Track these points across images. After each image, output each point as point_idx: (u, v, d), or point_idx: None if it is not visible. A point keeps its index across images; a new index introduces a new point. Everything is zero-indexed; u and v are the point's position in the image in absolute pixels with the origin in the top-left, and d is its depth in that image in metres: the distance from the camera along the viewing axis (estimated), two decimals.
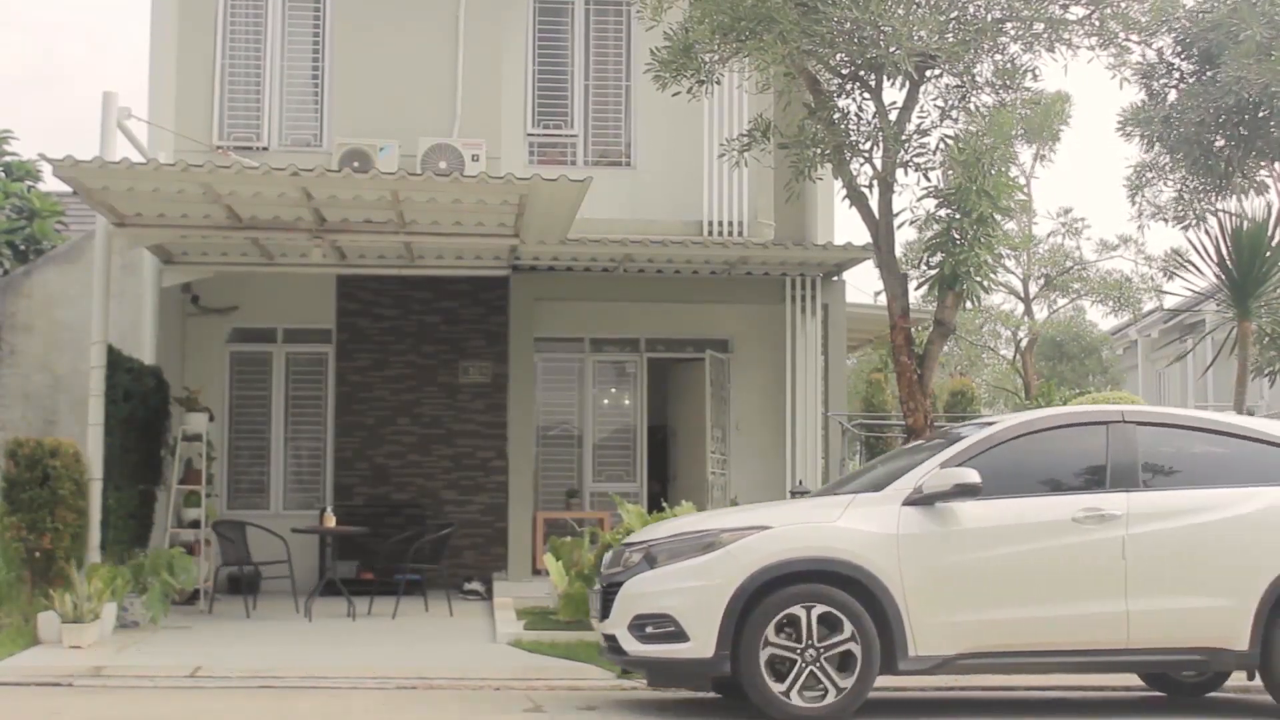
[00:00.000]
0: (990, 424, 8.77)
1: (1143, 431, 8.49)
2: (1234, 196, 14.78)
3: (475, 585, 14.90)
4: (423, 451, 15.74)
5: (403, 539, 13.87)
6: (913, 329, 12.30)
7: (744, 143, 12.57)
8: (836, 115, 11.95)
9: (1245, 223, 13.37)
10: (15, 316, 14.05)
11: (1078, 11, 11.71)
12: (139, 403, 13.13)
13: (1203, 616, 8.10)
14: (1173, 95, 14.43)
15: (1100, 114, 27.34)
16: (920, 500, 8.07)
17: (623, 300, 15.99)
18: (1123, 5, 11.67)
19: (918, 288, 12.43)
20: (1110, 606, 8.04)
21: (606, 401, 16.47)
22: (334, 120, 15.38)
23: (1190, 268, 13.83)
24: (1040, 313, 32.23)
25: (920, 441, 9.71)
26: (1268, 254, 12.84)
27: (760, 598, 7.84)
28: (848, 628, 7.80)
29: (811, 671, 7.80)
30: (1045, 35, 11.63)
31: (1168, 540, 8.16)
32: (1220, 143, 14.25)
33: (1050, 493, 8.29)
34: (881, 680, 8.02)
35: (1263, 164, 14.47)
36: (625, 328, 16.31)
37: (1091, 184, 59.98)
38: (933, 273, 11.92)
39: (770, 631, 7.79)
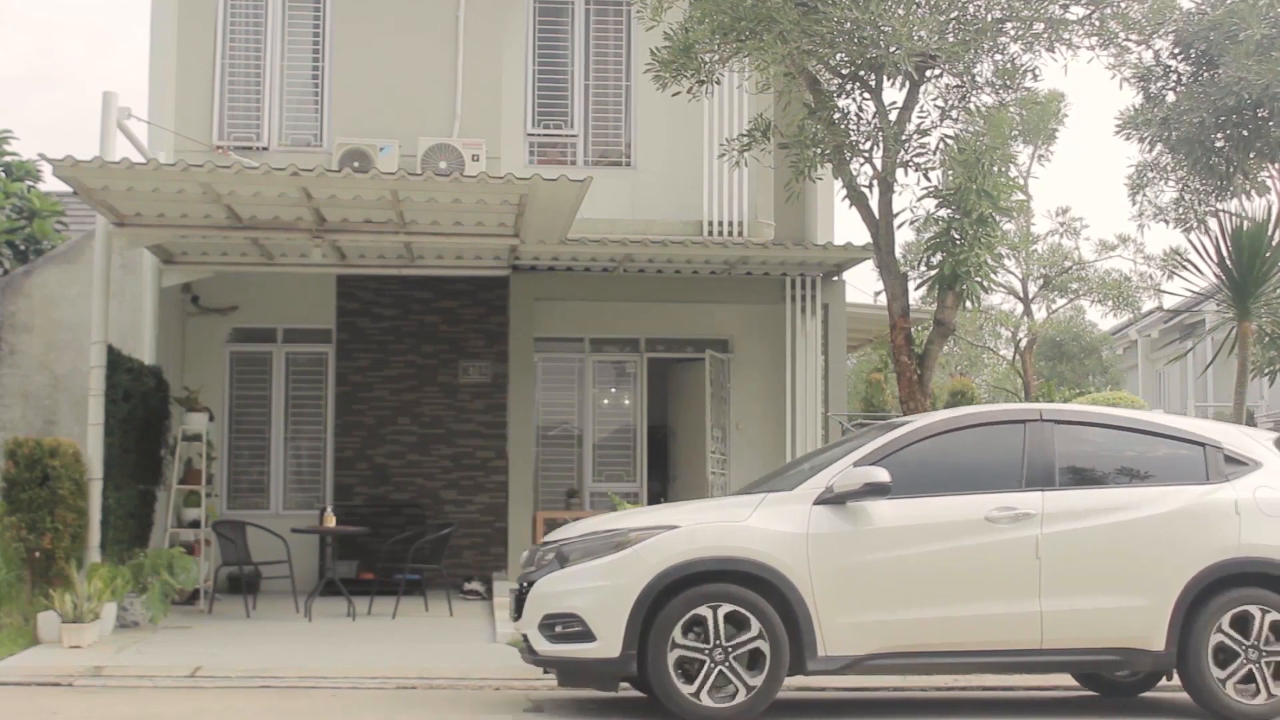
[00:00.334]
0: (905, 422, 8.72)
1: (1061, 430, 8.43)
2: (1235, 197, 14.79)
3: (475, 585, 14.90)
4: (423, 451, 15.74)
5: (403, 539, 13.88)
6: (913, 329, 12.30)
7: (744, 143, 12.58)
8: (836, 115, 11.96)
9: (1245, 223, 13.37)
10: (15, 316, 14.04)
11: (1078, 11, 11.72)
12: (139, 402, 13.13)
13: (1118, 617, 8.06)
14: (1171, 97, 14.44)
15: (1099, 113, 27.41)
16: (832, 499, 8.01)
17: (623, 300, 15.99)
18: (1122, 5, 11.68)
19: (918, 288, 12.44)
20: (1023, 606, 7.98)
21: (606, 401, 16.47)
22: (334, 120, 15.38)
23: (1190, 268, 13.84)
24: (1039, 313, 32.23)
25: (840, 440, 9.64)
26: (1268, 254, 12.84)
27: (668, 598, 7.80)
28: (755, 627, 7.77)
29: (720, 671, 7.76)
30: (1045, 35, 11.64)
31: (1083, 539, 8.10)
32: (1221, 142, 14.25)
33: (964, 491, 8.19)
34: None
35: (1264, 164, 14.48)
36: (625, 328, 16.31)
37: (1090, 184, 59.98)
38: (933, 273, 11.93)
39: (678, 632, 7.76)
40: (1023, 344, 31.29)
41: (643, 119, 15.87)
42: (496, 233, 12.98)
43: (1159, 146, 14.91)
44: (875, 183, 12.04)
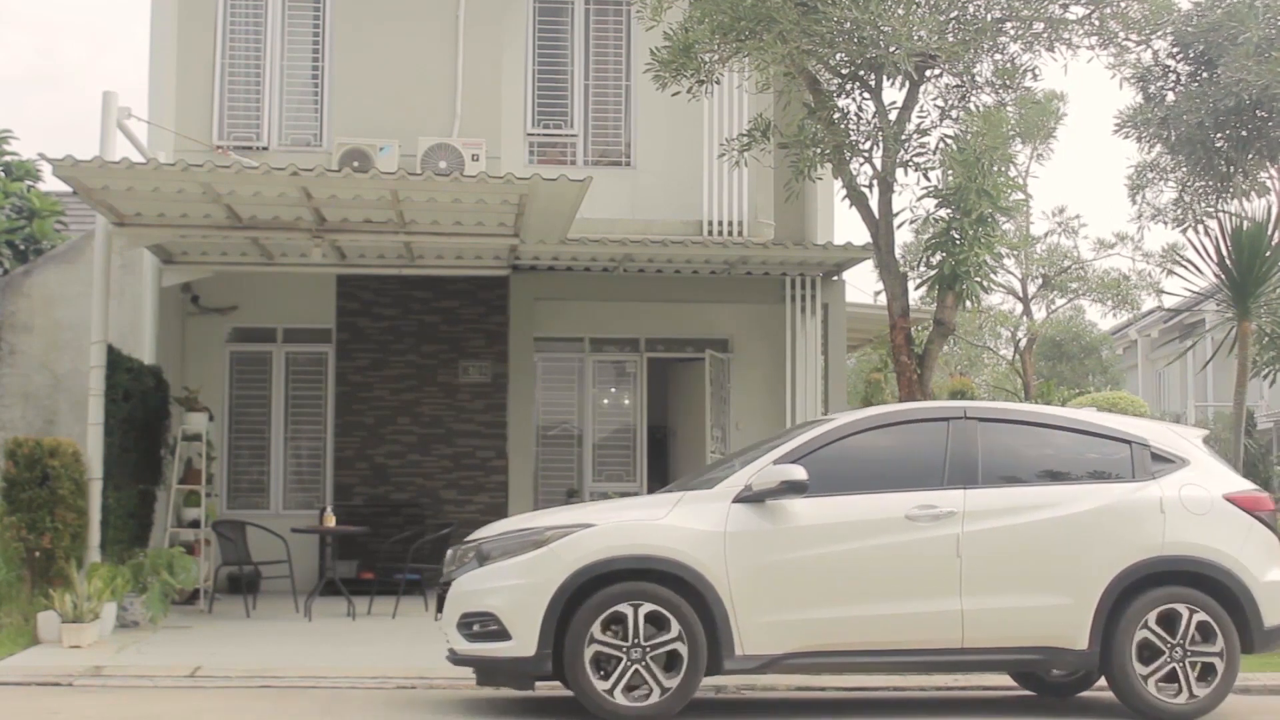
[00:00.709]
0: (828, 420, 8.66)
1: (985, 428, 8.36)
2: (1235, 197, 14.80)
3: None
4: (423, 451, 15.74)
5: (403, 539, 13.88)
6: (913, 329, 12.31)
7: (744, 143, 12.59)
8: (836, 115, 11.96)
9: (1245, 223, 13.38)
10: (15, 316, 14.04)
11: (1077, 11, 11.74)
12: (139, 402, 13.13)
13: (1041, 615, 7.99)
14: (1170, 97, 14.45)
15: (1098, 113, 27.43)
16: (750, 497, 7.95)
17: (623, 300, 16.00)
18: (1122, 5, 11.69)
19: (918, 288, 12.44)
20: (944, 605, 7.92)
21: (606, 401, 16.48)
22: (334, 120, 15.38)
23: (1190, 267, 13.84)
24: (1039, 312, 32.24)
25: (771, 437, 9.57)
26: (1267, 254, 12.84)
27: (584, 597, 7.75)
28: (674, 626, 7.72)
29: (637, 670, 7.72)
30: (1045, 35, 11.65)
31: (1005, 538, 8.04)
32: (1221, 143, 14.27)
33: (886, 490, 8.12)
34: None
35: (1264, 164, 14.49)
36: (625, 327, 16.31)
37: (1089, 183, 59.98)
38: (932, 273, 11.94)
39: (595, 630, 7.71)
40: (1022, 344, 31.30)
41: (643, 119, 15.87)
42: (496, 232, 12.98)
43: (1158, 147, 14.92)
44: (875, 182, 12.05)
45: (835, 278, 15.94)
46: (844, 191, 12.15)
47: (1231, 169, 14.46)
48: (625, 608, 7.73)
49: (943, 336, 12.24)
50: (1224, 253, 13.03)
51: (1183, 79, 14.38)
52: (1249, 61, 13.18)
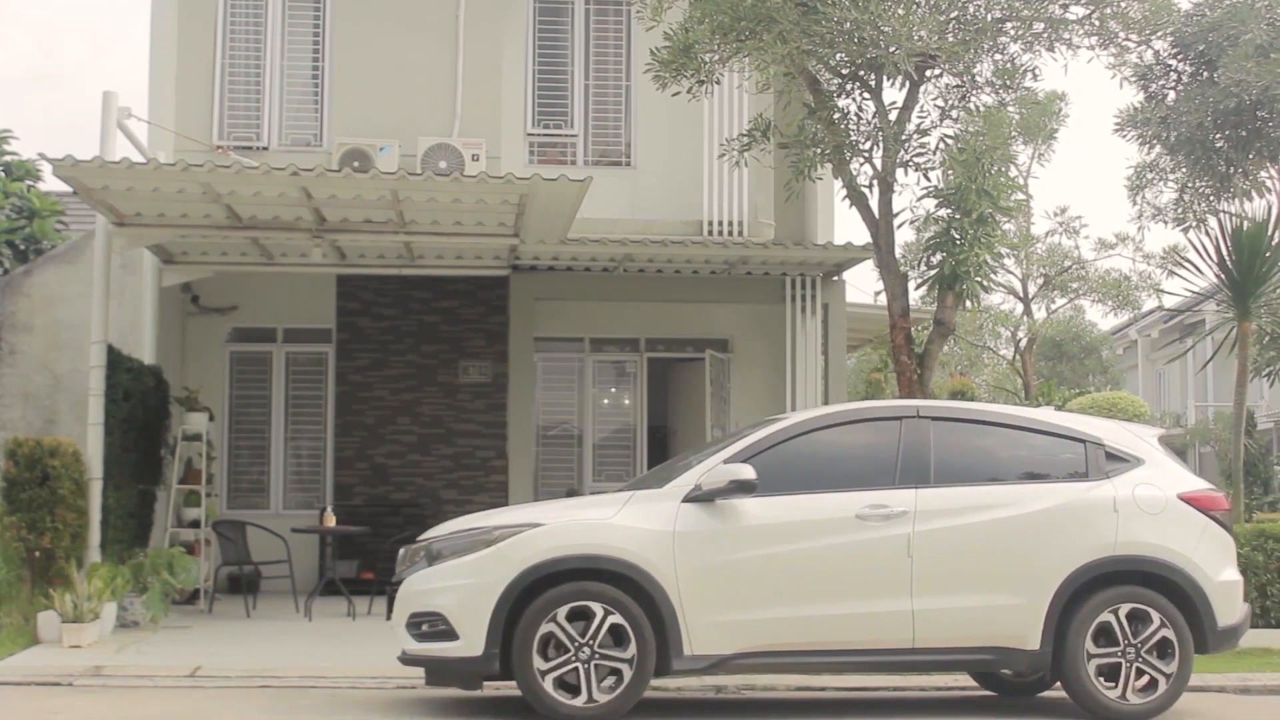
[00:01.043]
0: (780, 419, 8.61)
1: (938, 427, 8.32)
2: (1235, 197, 14.81)
3: None
4: (423, 451, 15.74)
5: (403, 539, 13.84)
6: (913, 329, 12.30)
7: (744, 143, 12.58)
8: (836, 115, 11.96)
9: (1245, 223, 13.38)
10: (15, 316, 14.04)
11: (1078, 11, 11.73)
12: (139, 402, 13.13)
13: (992, 615, 7.95)
14: (1171, 96, 14.46)
15: (1099, 113, 27.43)
16: (700, 497, 7.91)
17: (623, 300, 16.00)
18: (1122, 5, 11.68)
19: (918, 288, 12.44)
20: (895, 605, 7.88)
21: (606, 401, 16.48)
22: (334, 120, 15.38)
23: (1190, 267, 13.85)
24: (1039, 312, 32.25)
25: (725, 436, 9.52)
26: (1267, 254, 12.84)
27: (532, 596, 7.73)
28: (623, 627, 7.68)
29: (586, 670, 7.69)
30: (1045, 35, 11.65)
31: (957, 538, 7.99)
32: (1221, 143, 14.28)
33: (838, 489, 8.07)
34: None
35: (1264, 164, 14.49)
36: (625, 327, 16.31)
37: (1090, 183, 59.98)
38: (932, 273, 11.93)
39: (543, 630, 7.68)
40: (1023, 344, 31.32)
41: (643, 119, 15.87)
42: (496, 232, 12.98)
43: (1158, 147, 14.92)
44: (875, 182, 12.04)
45: (835, 278, 15.94)
46: (844, 191, 12.15)
47: (1231, 169, 14.47)
48: (574, 608, 7.69)
49: (943, 336, 12.23)
50: (1224, 253, 13.04)
51: (1183, 78, 14.38)
52: (1249, 62, 13.18)
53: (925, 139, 11.83)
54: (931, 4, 11.39)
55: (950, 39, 11.26)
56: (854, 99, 12.11)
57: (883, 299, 14.92)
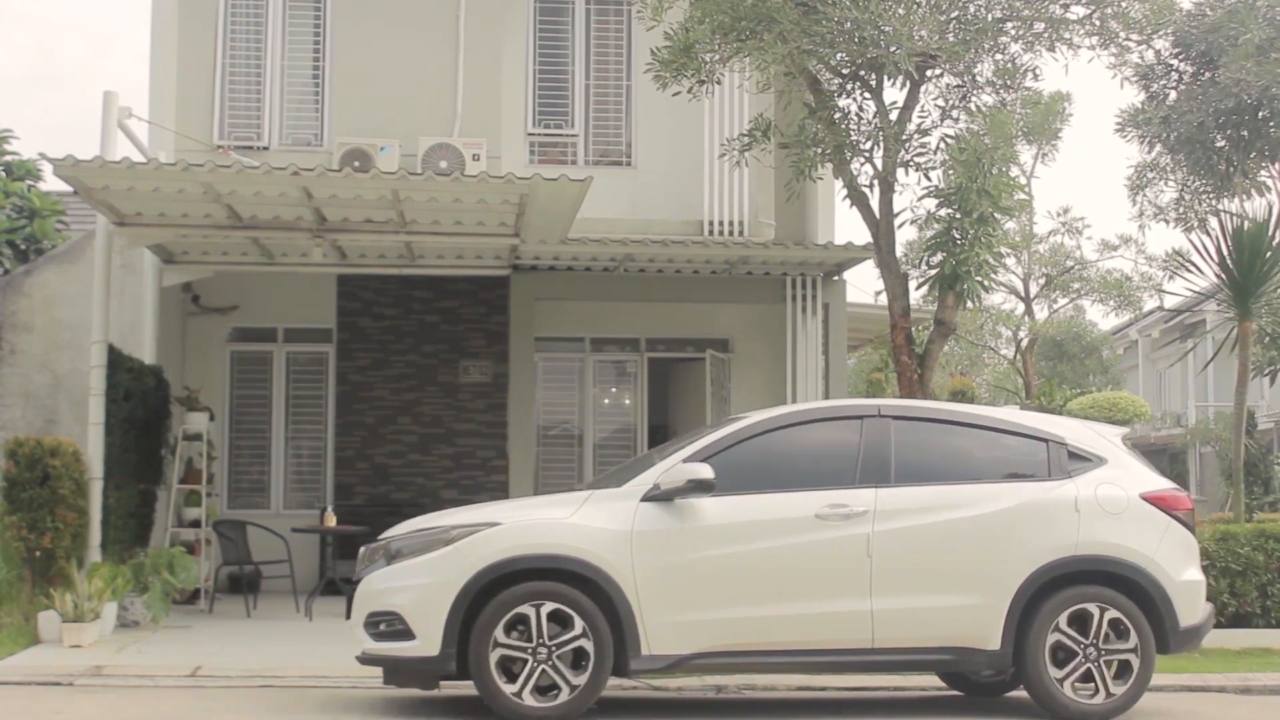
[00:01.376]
0: (741, 418, 8.58)
1: (899, 426, 8.28)
2: (1235, 197, 14.81)
3: None
4: (423, 451, 15.74)
5: None
6: (913, 329, 12.31)
7: (744, 142, 12.58)
8: (837, 115, 11.96)
9: (1246, 223, 13.39)
10: (15, 316, 14.04)
11: (1078, 11, 11.74)
12: (139, 402, 13.13)
13: (952, 615, 7.92)
14: (1172, 96, 14.45)
15: (1100, 113, 27.43)
16: (659, 496, 7.87)
17: (623, 300, 15.99)
18: (1123, 5, 11.69)
19: (918, 288, 12.44)
20: (854, 605, 7.84)
21: (607, 401, 16.48)
22: (334, 120, 15.38)
23: (1191, 268, 13.85)
24: (1040, 312, 32.26)
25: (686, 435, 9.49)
26: (1268, 254, 12.85)
27: (489, 596, 7.70)
28: (579, 625, 7.66)
29: (543, 670, 7.66)
30: (1046, 35, 11.65)
31: (916, 537, 7.96)
32: (1221, 142, 14.28)
33: (797, 489, 8.03)
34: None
35: (1264, 165, 14.49)
36: (625, 327, 16.31)
37: (1092, 183, 59.98)
38: (933, 272, 11.94)
39: (500, 631, 7.66)
40: (1023, 343, 31.33)
41: (643, 119, 15.87)
42: (497, 232, 12.98)
43: (1158, 147, 14.92)
44: (876, 182, 12.04)
45: (836, 278, 15.94)
46: (844, 191, 12.15)
47: (1231, 169, 14.47)
48: (528, 608, 7.67)
49: (943, 336, 12.24)
50: (1225, 253, 13.04)
51: (1184, 78, 14.38)
52: (1249, 62, 13.18)
53: (926, 139, 11.84)
54: (932, 4, 11.39)
55: (951, 39, 11.26)
56: (854, 99, 12.11)
57: (883, 299, 14.93)
